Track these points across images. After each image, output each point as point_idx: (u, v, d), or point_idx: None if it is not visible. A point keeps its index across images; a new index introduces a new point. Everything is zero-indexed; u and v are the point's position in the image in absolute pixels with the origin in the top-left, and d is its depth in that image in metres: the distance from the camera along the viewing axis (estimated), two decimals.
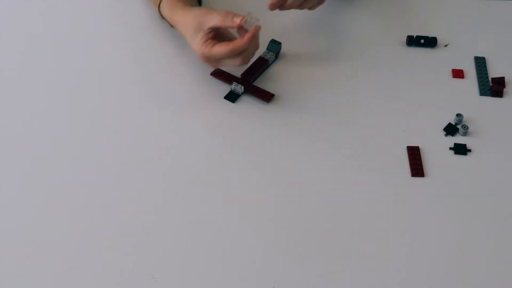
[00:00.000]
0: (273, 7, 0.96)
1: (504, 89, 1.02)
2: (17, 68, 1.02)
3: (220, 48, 0.91)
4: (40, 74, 1.01)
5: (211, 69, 1.02)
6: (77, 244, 0.82)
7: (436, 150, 0.94)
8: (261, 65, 1.02)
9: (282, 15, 1.08)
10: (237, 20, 0.91)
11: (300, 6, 0.98)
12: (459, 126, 0.96)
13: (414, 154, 0.93)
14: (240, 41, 0.91)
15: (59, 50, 1.05)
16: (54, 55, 1.04)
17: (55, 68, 1.02)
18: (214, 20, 0.92)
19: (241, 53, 0.92)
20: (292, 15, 1.11)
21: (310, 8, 1.01)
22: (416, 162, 0.92)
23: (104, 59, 1.04)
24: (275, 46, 1.04)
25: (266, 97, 0.99)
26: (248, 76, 1.01)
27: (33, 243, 0.81)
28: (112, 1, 1.13)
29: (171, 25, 1.02)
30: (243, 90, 0.99)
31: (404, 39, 1.09)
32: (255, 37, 0.92)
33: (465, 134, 0.96)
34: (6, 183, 0.87)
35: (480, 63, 1.06)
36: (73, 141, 0.92)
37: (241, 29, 0.92)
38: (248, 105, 0.97)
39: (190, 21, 0.94)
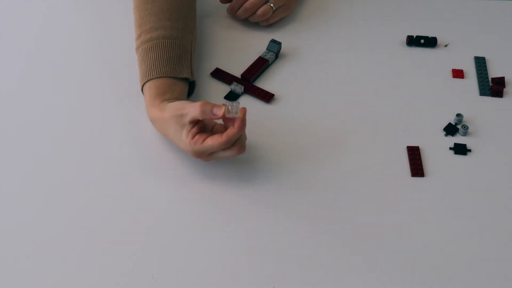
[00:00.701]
0: (230, 12, 1.09)
1: (504, 89, 1.02)
2: (17, 68, 1.02)
3: (213, 142, 0.83)
4: (40, 74, 1.01)
5: (211, 69, 1.02)
6: (77, 244, 0.82)
7: (436, 150, 0.94)
8: (261, 65, 1.02)
9: None
10: (219, 113, 0.82)
11: (249, 19, 1.08)
12: (459, 126, 0.96)
13: (414, 154, 0.93)
14: (232, 131, 0.82)
15: (60, 50, 1.05)
16: (54, 55, 1.04)
17: (55, 68, 1.02)
18: (192, 113, 0.83)
19: (236, 142, 0.84)
20: (292, 15, 1.12)
21: (260, 23, 1.09)
22: (416, 162, 0.92)
23: (104, 58, 1.04)
24: (275, 46, 1.04)
25: (266, 97, 0.99)
26: (248, 76, 1.01)
27: (33, 243, 0.81)
28: (113, 1, 1.13)
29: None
30: (243, 90, 0.99)
31: (404, 39, 1.09)
32: (245, 121, 0.83)
33: (465, 134, 0.96)
34: (7, 183, 0.87)
35: (480, 63, 1.06)
36: (74, 141, 0.92)
37: (225, 118, 0.84)
38: (248, 105, 0.97)
39: (167, 118, 0.86)
